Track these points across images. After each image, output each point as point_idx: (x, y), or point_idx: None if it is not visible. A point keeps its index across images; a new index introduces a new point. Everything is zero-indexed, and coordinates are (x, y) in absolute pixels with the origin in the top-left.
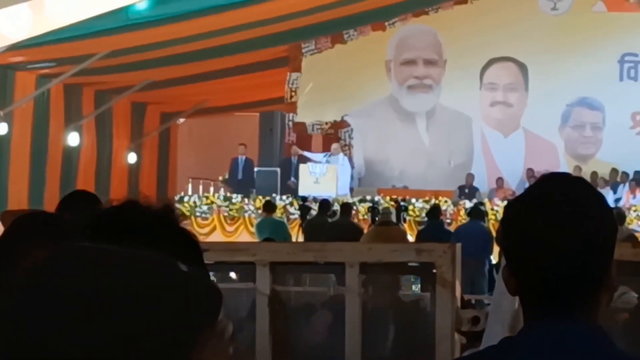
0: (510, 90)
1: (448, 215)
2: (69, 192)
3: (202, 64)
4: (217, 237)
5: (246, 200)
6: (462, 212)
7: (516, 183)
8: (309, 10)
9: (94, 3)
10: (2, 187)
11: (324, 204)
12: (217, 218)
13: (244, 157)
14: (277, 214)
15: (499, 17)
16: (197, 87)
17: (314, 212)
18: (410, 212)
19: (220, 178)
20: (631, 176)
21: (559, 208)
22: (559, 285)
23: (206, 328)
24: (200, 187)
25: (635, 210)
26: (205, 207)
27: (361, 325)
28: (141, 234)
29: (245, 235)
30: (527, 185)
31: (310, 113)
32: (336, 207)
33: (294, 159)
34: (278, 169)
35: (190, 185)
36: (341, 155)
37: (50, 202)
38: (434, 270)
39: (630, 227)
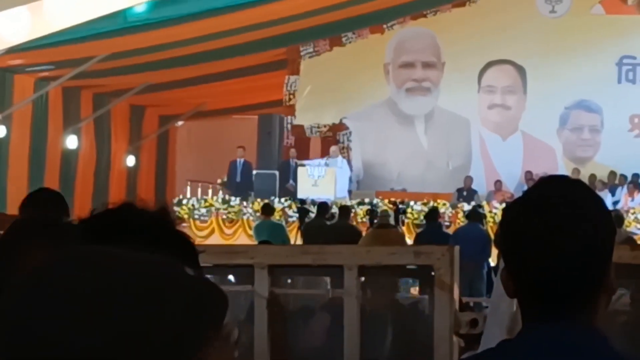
0: (509, 93)
1: (446, 218)
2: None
3: (201, 67)
4: (216, 239)
5: (245, 203)
6: (461, 215)
7: (514, 186)
8: (308, 13)
9: (92, 6)
10: (1, 190)
11: (323, 207)
12: (216, 221)
13: (242, 160)
14: (276, 216)
15: (497, 19)
16: (195, 89)
17: (312, 215)
18: (409, 215)
19: (219, 181)
20: (629, 179)
21: (557, 210)
22: (558, 288)
23: (211, 331)
24: (199, 190)
25: (633, 213)
26: (203, 210)
27: (359, 327)
28: (139, 236)
29: (243, 238)
30: (525, 188)
31: (308, 116)
32: (334, 209)
33: (293, 162)
34: (276, 172)
35: (188, 188)
36: (340, 157)
37: None
38: (433, 273)
39: (629, 229)
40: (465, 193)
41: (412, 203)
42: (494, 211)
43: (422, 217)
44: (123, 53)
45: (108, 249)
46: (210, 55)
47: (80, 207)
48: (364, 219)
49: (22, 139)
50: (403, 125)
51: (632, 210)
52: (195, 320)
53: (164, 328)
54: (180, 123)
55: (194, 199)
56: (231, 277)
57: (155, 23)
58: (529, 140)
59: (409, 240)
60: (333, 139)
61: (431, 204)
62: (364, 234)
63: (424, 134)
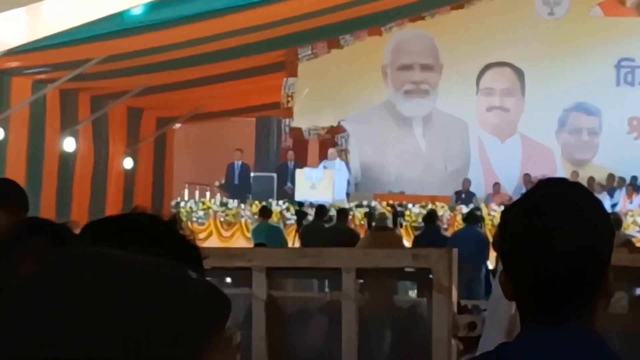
0: (507, 95)
1: (444, 221)
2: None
3: (198, 69)
4: (214, 242)
5: (242, 205)
6: (459, 218)
7: (513, 188)
8: (305, 15)
9: (90, 8)
10: None
11: (321, 209)
12: (214, 223)
13: (240, 163)
14: (274, 219)
15: (495, 22)
16: (193, 92)
17: (310, 218)
18: (407, 218)
19: (217, 183)
20: (628, 181)
21: (556, 213)
22: (556, 291)
23: (213, 333)
24: (197, 193)
25: (632, 216)
26: (201, 213)
27: (357, 330)
28: (142, 239)
29: (241, 240)
30: (524, 190)
31: (306, 118)
32: (332, 212)
33: (291, 164)
34: (274, 174)
35: (186, 191)
36: (337, 160)
37: (47, 208)
38: (431, 276)
39: (627, 232)
40: (463, 195)
41: (410, 205)
42: (493, 214)
43: (420, 220)
44: (121, 55)
45: (108, 250)
46: (208, 58)
47: (78, 209)
48: (362, 222)
49: (19, 141)
50: (401, 127)
51: (630, 213)
52: (196, 321)
53: (164, 328)
54: (178, 125)
55: (192, 201)
56: (229, 280)
57: (153, 25)
58: (527, 143)
59: (407, 243)
60: (331, 141)
61: (429, 206)
62: (362, 236)
63: (422, 137)
